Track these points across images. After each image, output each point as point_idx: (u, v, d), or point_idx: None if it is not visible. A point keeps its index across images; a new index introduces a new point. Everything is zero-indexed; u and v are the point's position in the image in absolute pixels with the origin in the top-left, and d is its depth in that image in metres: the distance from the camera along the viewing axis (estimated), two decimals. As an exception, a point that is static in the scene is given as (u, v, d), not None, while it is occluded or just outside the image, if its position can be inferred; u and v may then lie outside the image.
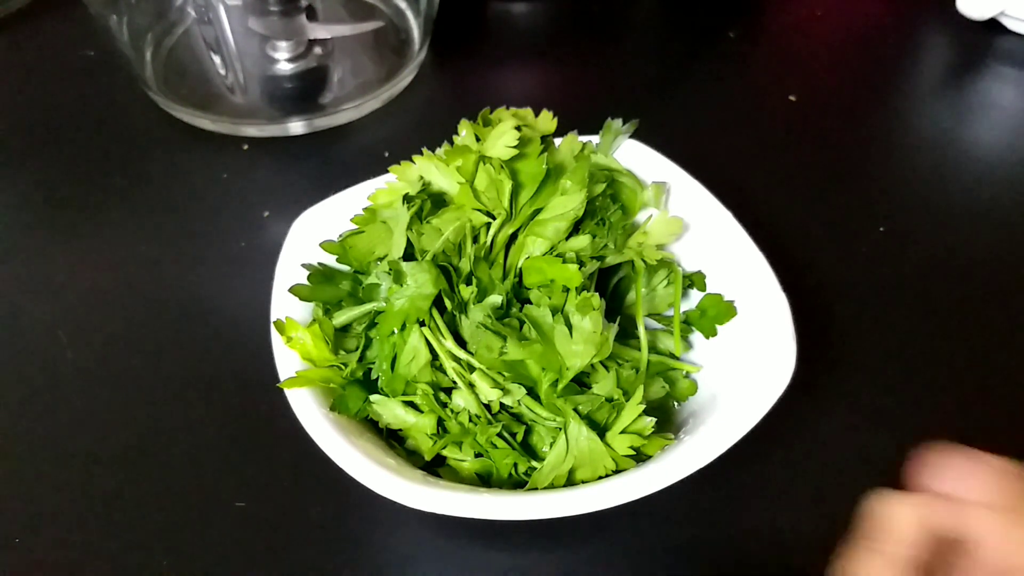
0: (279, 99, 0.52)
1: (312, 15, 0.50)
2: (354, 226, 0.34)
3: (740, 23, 0.59)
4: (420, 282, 0.31)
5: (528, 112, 0.36)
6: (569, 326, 0.30)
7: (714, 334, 0.35)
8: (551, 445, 0.31)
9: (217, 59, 0.50)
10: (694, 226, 0.37)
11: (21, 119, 0.52)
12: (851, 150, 0.50)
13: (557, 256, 0.33)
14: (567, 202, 0.33)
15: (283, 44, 0.51)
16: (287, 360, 0.31)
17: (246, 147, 0.50)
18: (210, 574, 0.33)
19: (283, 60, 0.52)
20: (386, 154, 0.49)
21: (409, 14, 0.55)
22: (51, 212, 0.47)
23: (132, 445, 0.37)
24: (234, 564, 0.34)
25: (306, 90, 0.52)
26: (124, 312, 0.42)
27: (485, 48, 0.58)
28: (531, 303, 0.32)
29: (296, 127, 0.50)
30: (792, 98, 0.53)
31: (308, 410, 0.30)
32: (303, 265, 0.33)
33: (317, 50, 0.53)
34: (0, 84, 0.55)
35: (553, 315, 0.31)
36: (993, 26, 0.57)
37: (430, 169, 0.34)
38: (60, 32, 0.58)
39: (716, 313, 0.35)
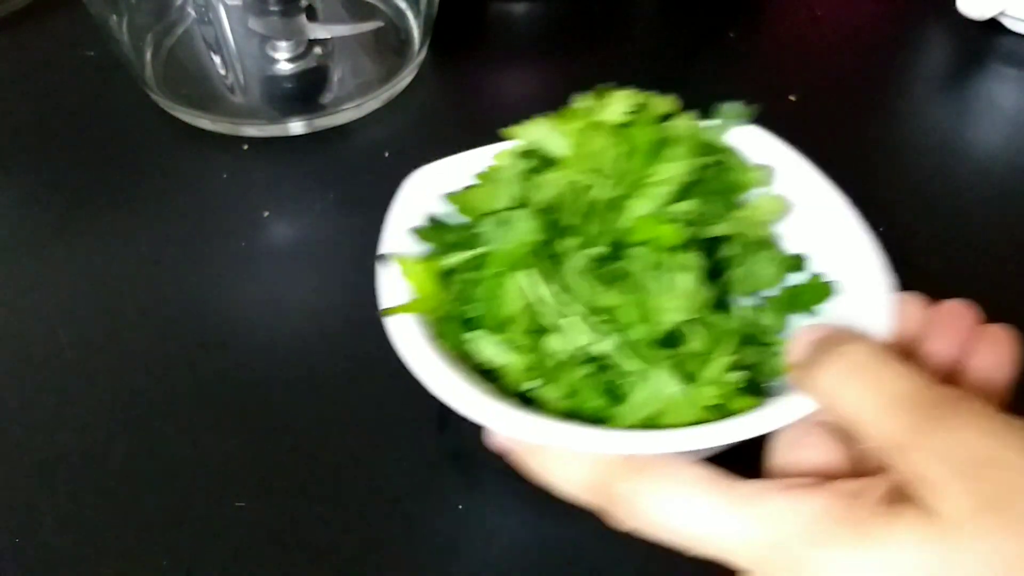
0: (279, 99, 0.52)
1: (312, 15, 0.51)
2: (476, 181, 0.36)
3: (740, 23, 0.59)
4: (524, 230, 0.32)
5: (648, 95, 0.37)
6: (666, 282, 0.31)
7: (812, 314, 0.35)
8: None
9: (217, 59, 0.50)
10: (801, 207, 0.37)
11: (20, 119, 0.52)
12: (851, 150, 0.50)
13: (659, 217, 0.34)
14: (673, 168, 0.34)
15: (283, 44, 0.51)
16: (393, 293, 0.32)
17: (246, 147, 0.50)
18: (210, 574, 0.33)
19: (283, 60, 0.52)
20: (386, 154, 0.49)
21: (409, 14, 0.55)
22: (51, 212, 0.47)
23: (132, 445, 0.37)
24: (234, 564, 0.34)
25: (306, 90, 0.52)
26: (124, 312, 0.42)
27: (485, 48, 0.58)
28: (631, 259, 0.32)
29: (296, 127, 0.50)
30: (792, 98, 0.53)
31: (410, 338, 0.31)
32: (425, 214, 0.35)
33: (317, 50, 0.53)
34: None
35: (652, 270, 0.31)
36: (993, 26, 0.57)
37: (542, 130, 0.35)
38: (60, 32, 0.58)
39: (815, 293, 0.35)
